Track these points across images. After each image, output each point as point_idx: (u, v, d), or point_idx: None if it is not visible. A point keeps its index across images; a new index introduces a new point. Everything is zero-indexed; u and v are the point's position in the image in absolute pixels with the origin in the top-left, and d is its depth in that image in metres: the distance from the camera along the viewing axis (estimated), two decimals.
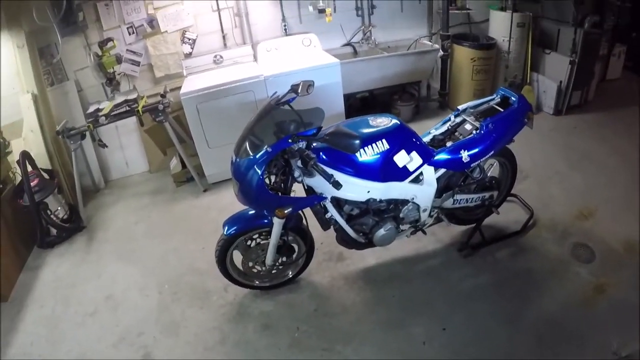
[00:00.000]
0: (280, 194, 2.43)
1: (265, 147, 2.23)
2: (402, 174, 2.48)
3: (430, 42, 5.12)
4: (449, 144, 2.71)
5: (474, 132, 2.68)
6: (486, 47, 4.88)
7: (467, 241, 3.06)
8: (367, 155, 2.36)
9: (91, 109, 4.26)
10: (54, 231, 3.99)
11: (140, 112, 4.08)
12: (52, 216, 3.95)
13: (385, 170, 2.42)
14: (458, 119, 2.86)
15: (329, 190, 2.39)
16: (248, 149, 2.30)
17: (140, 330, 2.87)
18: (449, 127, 2.85)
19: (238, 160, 2.32)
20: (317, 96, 3.97)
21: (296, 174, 2.35)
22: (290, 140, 2.21)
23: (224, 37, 4.80)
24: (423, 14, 5.29)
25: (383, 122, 2.51)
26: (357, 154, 2.34)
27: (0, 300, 3.34)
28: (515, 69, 5.09)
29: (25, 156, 3.87)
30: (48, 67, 4.58)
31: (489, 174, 2.97)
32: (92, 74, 4.22)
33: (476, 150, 2.60)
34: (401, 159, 2.45)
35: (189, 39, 4.72)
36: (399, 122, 2.53)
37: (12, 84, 4.35)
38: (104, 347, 2.79)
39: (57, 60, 4.50)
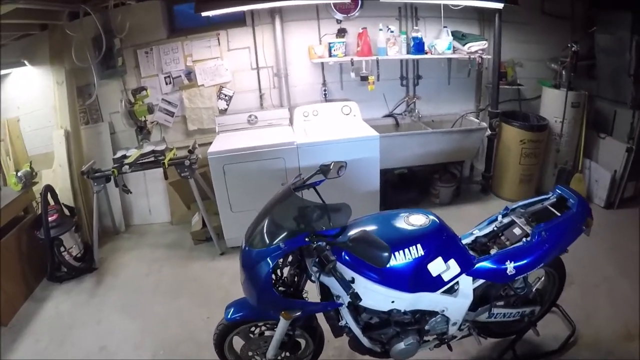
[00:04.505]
0: (291, 288, 2.16)
1: (279, 241, 1.96)
2: (434, 284, 2.14)
3: (478, 118, 4.84)
4: (493, 250, 2.38)
5: (524, 239, 2.35)
6: (537, 129, 4.53)
7: (498, 358, 2.70)
8: (397, 261, 2.05)
9: (118, 154, 4.18)
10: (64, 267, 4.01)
11: (166, 165, 3.97)
12: (65, 253, 3.98)
13: (416, 279, 2.09)
14: (506, 220, 2.53)
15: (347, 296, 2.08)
16: (259, 239, 2.03)
17: None
18: (495, 229, 2.52)
19: (247, 249, 2.05)
20: (352, 170, 3.73)
21: (310, 274, 2.07)
22: (307, 239, 1.94)
23: (261, 96, 4.68)
24: (471, 88, 5.04)
25: (419, 221, 2.20)
26: None
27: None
28: (567, 154, 4.70)
29: (48, 190, 3.98)
30: (85, 106, 4.62)
31: (534, 288, 2.60)
32: (122, 121, 4.19)
33: (524, 262, 2.26)
34: (436, 267, 2.12)
35: (225, 95, 4.62)
36: (437, 222, 2.22)
37: (49, 117, 4.49)
38: None
39: (91, 101, 4.52)
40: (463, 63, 4.65)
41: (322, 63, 4.57)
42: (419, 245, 2.07)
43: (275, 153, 3.84)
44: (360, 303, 2.08)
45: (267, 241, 1.98)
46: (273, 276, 2.12)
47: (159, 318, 3.38)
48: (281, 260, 2.06)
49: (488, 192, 4.94)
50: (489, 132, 4.62)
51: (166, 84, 4.54)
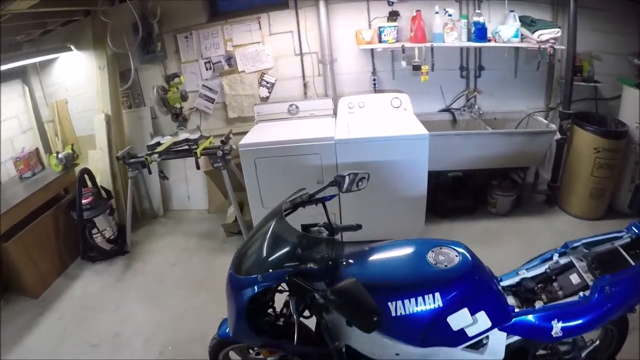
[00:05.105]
0: (282, 319, 1.88)
1: (257, 273, 1.66)
2: (454, 338, 1.72)
3: (547, 119, 4.19)
4: (539, 303, 1.85)
5: (581, 293, 1.82)
6: (615, 136, 3.83)
7: None
8: (406, 310, 1.65)
9: (153, 141, 4.13)
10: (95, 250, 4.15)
11: (198, 154, 3.81)
12: (98, 235, 4.09)
13: (430, 333, 1.68)
14: (563, 261, 2.02)
15: (343, 336, 1.75)
16: (241, 265, 1.76)
17: None
18: (547, 271, 2.02)
19: (231, 272, 1.77)
20: (396, 172, 3.52)
21: (294, 311, 1.72)
22: (287, 277, 1.62)
23: (305, 84, 4.36)
24: (540, 83, 4.39)
25: (447, 258, 1.76)
26: (391, 307, 1.65)
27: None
28: None
29: (84, 173, 4.13)
30: (128, 90, 4.60)
31: (584, 353, 2.09)
32: (155, 108, 4.13)
33: (576, 323, 1.76)
34: (459, 320, 1.68)
35: (267, 83, 4.36)
36: (469, 262, 1.76)
37: (94, 100, 4.51)
38: None
39: (128, 86, 4.49)
40: (532, 54, 4.00)
41: (372, 50, 4.16)
42: (437, 295, 1.66)
43: (310, 148, 3.52)
44: (359, 349, 1.76)
45: (248, 270, 1.71)
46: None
47: (176, 312, 3.35)
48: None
49: (553, 204, 4.29)
50: (558, 135, 3.98)
51: (206, 69, 4.37)
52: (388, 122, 3.82)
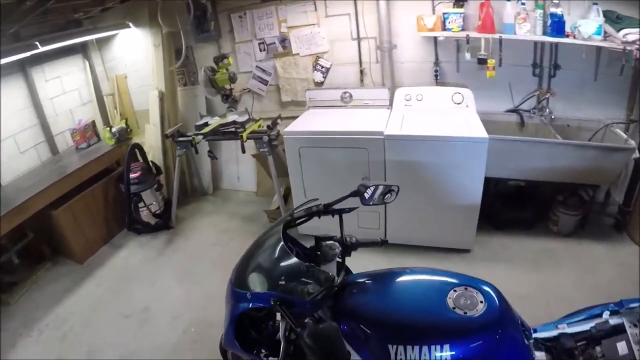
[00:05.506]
0: (277, 335, 1.76)
1: (247, 289, 1.59)
2: None
3: (626, 133, 3.54)
4: None
5: None
6: None
7: None
8: (407, 358, 1.43)
9: (202, 121, 4.10)
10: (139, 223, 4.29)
11: (244, 138, 3.75)
12: (144, 209, 4.23)
13: None
14: (614, 321, 1.66)
15: None
16: (238, 276, 1.69)
17: None
18: (593, 330, 1.68)
19: (230, 280, 1.73)
20: (449, 176, 3.23)
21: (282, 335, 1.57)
22: (272, 302, 1.47)
23: (361, 71, 4.08)
24: (623, 90, 3.72)
25: (470, 303, 1.49)
26: (391, 350, 1.43)
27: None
28: None
29: (135, 148, 4.26)
30: (183, 69, 4.61)
31: None
32: (203, 90, 4.04)
33: None
34: None
35: (322, 67, 4.15)
36: (496, 310, 1.48)
37: (151, 77, 4.57)
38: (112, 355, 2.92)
39: (180, 64, 4.49)
40: (615, 55, 3.37)
41: (435, 38, 3.78)
42: (446, 347, 1.41)
43: (358, 142, 3.30)
44: None
45: (241, 284, 1.64)
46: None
47: (206, 293, 3.38)
48: None
49: (622, 230, 3.70)
50: (637, 154, 3.37)
51: (260, 50, 4.25)
52: (446, 120, 3.51)
